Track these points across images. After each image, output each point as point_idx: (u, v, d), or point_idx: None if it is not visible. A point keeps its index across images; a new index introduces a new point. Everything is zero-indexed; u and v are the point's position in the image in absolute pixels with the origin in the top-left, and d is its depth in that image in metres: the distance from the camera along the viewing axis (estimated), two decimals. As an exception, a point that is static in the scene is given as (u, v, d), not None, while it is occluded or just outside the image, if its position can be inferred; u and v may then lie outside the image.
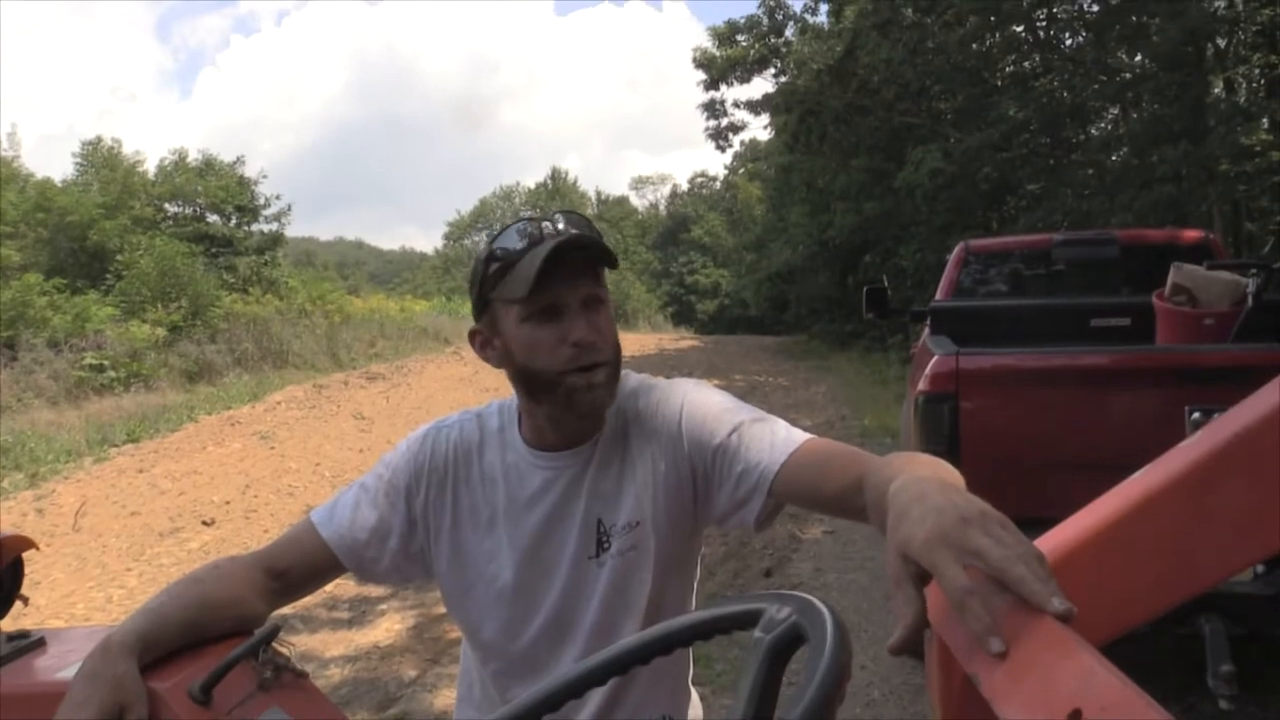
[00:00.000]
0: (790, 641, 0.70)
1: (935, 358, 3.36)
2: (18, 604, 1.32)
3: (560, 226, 1.24)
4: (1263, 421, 0.73)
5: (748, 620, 0.74)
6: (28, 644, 1.18)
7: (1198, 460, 0.74)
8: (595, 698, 1.33)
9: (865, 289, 5.59)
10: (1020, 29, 15.51)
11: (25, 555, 1.34)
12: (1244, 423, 0.74)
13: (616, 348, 1.28)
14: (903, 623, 0.69)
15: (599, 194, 57.53)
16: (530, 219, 1.26)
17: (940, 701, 0.77)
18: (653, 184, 59.37)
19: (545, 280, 1.20)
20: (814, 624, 0.67)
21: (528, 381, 1.27)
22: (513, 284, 1.22)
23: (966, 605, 0.65)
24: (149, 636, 1.06)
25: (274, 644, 1.11)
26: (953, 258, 5.88)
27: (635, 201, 58.17)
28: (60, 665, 1.13)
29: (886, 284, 5.76)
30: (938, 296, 5.54)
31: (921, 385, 3.34)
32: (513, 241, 1.23)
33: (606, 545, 1.31)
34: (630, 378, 1.39)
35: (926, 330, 4.79)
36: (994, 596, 0.66)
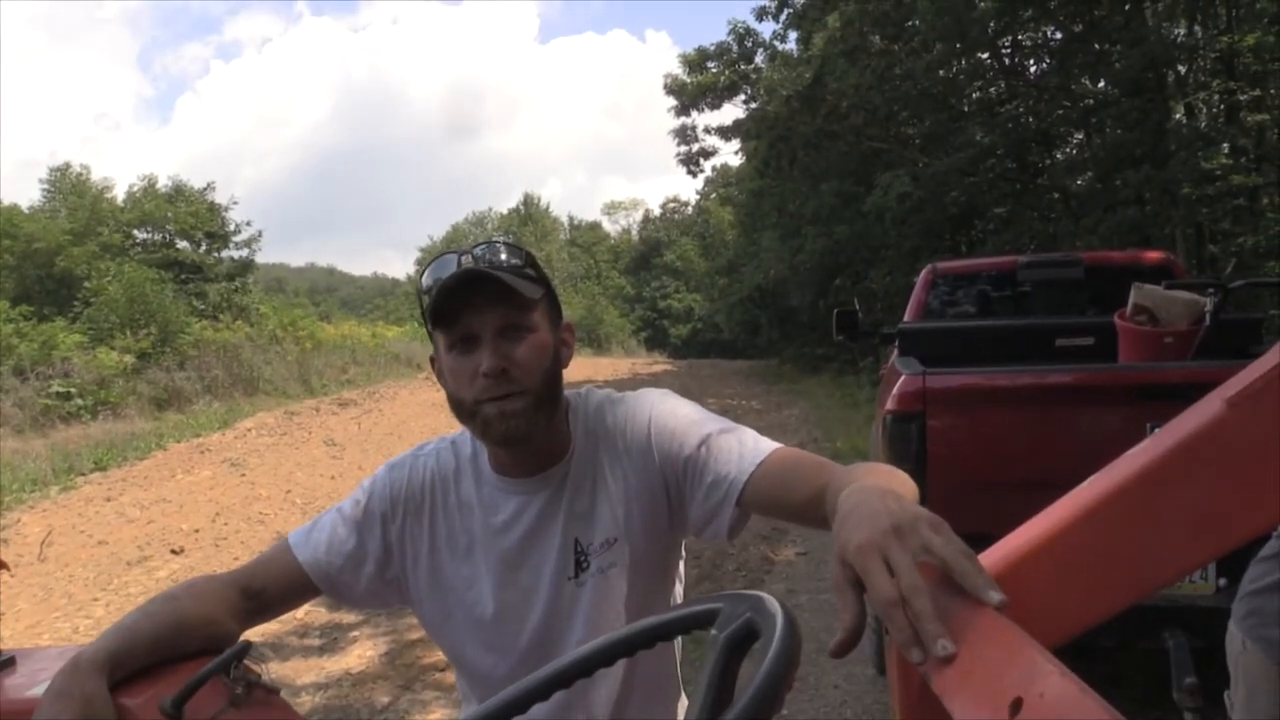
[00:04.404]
0: (745, 637, 0.73)
1: (903, 377, 3.40)
2: None
3: (470, 258, 1.26)
4: (1205, 428, 0.76)
5: (705, 620, 0.77)
6: (8, 658, 1.19)
7: (1144, 466, 0.77)
8: (562, 699, 1.34)
9: (836, 311, 5.64)
10: (986, 56, 15.75)
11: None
12: (1187, 430, 0.76)
13: (543, 375, 1.27)
14: (842, 625, 0.72)
15: (572, 219, 57.68)
16: (452, 251, 1.28)
17: (900, 704, 0.79)
18: (625, 209, 59.58)
19: (456, 311, 1.23)
20: (765, 619, 0.70)
21: (454, 409, 1.29)
22: (430, 315, 1.25)
23: (891, 615, 0.68)
24: (119, 654, 1.06)
25: (245, 661, 1.12)
26: (920, 280, 5.95)
27: (608, 227, 58.34)
28: (30, 684, 1.13)
29: (857, 306, 5.82)
30: (906, 318, 5.60)
31: (889, 405, 3.38)
32: (433, 273, 1.26)
33: (585, 565, 1.32)
34: (594, 394, 1.40)
35: (895, 352, 4.85)
36: (940, 595, 0.68)
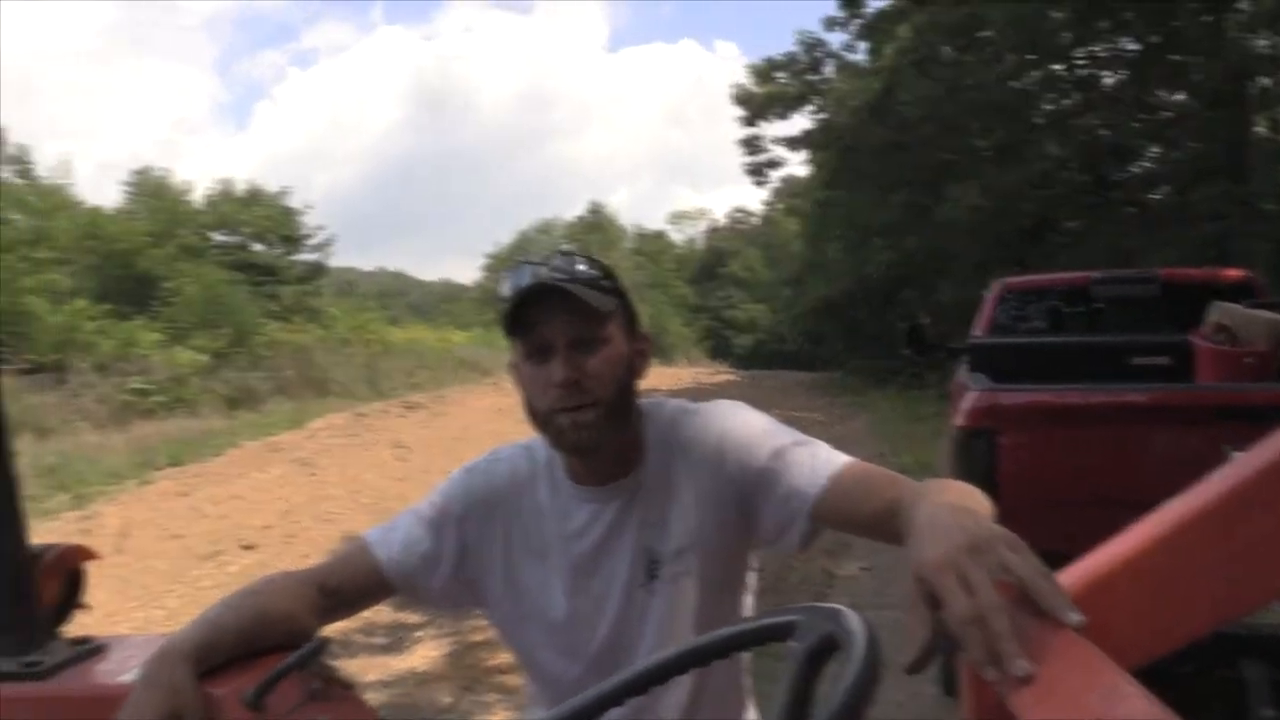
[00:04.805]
0: (824, 650, 0.72)
1: (973, 393, 3.36)
2: (79, 612, 1.37)
3: (546, 269, 1.27)
4: (1291, 455, 0.75)
5: (784, 632, 0.77)
6: (89, 649, 1.23)
7: (1229, 491, 0.76)
8: (633, 704, 1.35)
9: (905, 325, 5.60)
10: (1060, 67, 15.49)
11: (86, 566, 1.39)
12: (1274, 454, 0.76)
13: (615, 387, 1.28)
14: (916, 643, 0.72)
15: (638, 229, 57.79)
16: (530, 260, 1.30)
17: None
18: (691, 219, 59.54)
19: (530, 321, 1.26)
20: (847, 632, 0.70)
21: (530, 416, 1.31)
22: (505, 324, 1.28)
23: (967, 633, 0.68)
24: (205, 645, 1.10)
25: (322, 657, 1.15)
26: (991, 295, 5.88)
27: (674, 236, 58.33)
28: (120, 670, 1.17)
29: (926, 320, 5.76)
30: (976, 333, 5.53)
31: (959, 420, 3.34)
32: (510, 282, 1.28)
33: (657, 573, 1.33)
34: (668, 404, 1.42)
35: (964, 367, 4.79)
36: (1017, 614, 0.68)
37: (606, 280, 1.32)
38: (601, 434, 1.27)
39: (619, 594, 1.34)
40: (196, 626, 1.14)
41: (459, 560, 1.37)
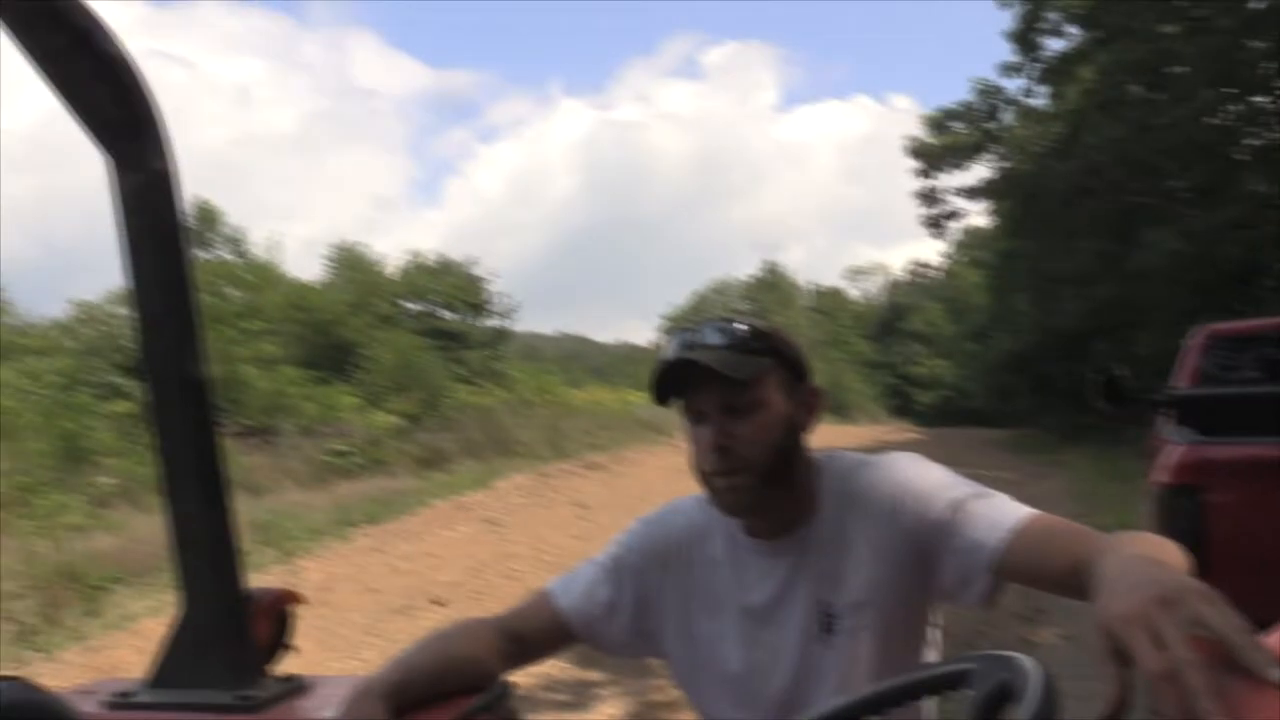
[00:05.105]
0: (1000, 698, 0.71)
1: (1178, 447, 3.17)
2: (287, 653, 1.49)
3: (694, 339, 1.31)
4: None
5: (958, 680, 0.76)
6: (295, 686, 1.37)
7: None
8: None
9: (1100, 378, 5.32)
10: (1264, 99, 14.57)
11: (294, 610, 1.52)
12: None
13: (768, 451, 1.29)
14: (1107, 700, 0.70)
15: (814, 286, 57.35)
16: (680, 329, 1.35)
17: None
18: (868, 274, 58.73)
19: (680, 389, 1.31)
20: (1023, 680, 0.69)
21: (695, 475, 1.35)
22: (656, 394, 1.32)
23: (1162, 690, 0.65)
24: (400, 685, 1.19)
25: (507, 702, 1.22)
26: (1195, 343, 5.54)
27: (851, 292, 57.61)
28: (321, 707, 1.28)
29: (1123, 372, 5.47)
30: (1178, 384, 5.21)
31: (1162, 477, 3.15)
32: (663, 350, 1.33)
33: (833, 627, 1.32)
34: (844, 457, 1.41)
35: (1166, 420, 4.51)
36: (1214, 671, 0.65)
37: (758, 342, 1.32)
38: (755, 497, 1.30)
39: (795, 647, 1.34)
40: (392, 667, 1.23)
41: (637, 611, 1.41)
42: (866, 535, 1.32)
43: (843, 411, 37.35)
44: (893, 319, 50.80)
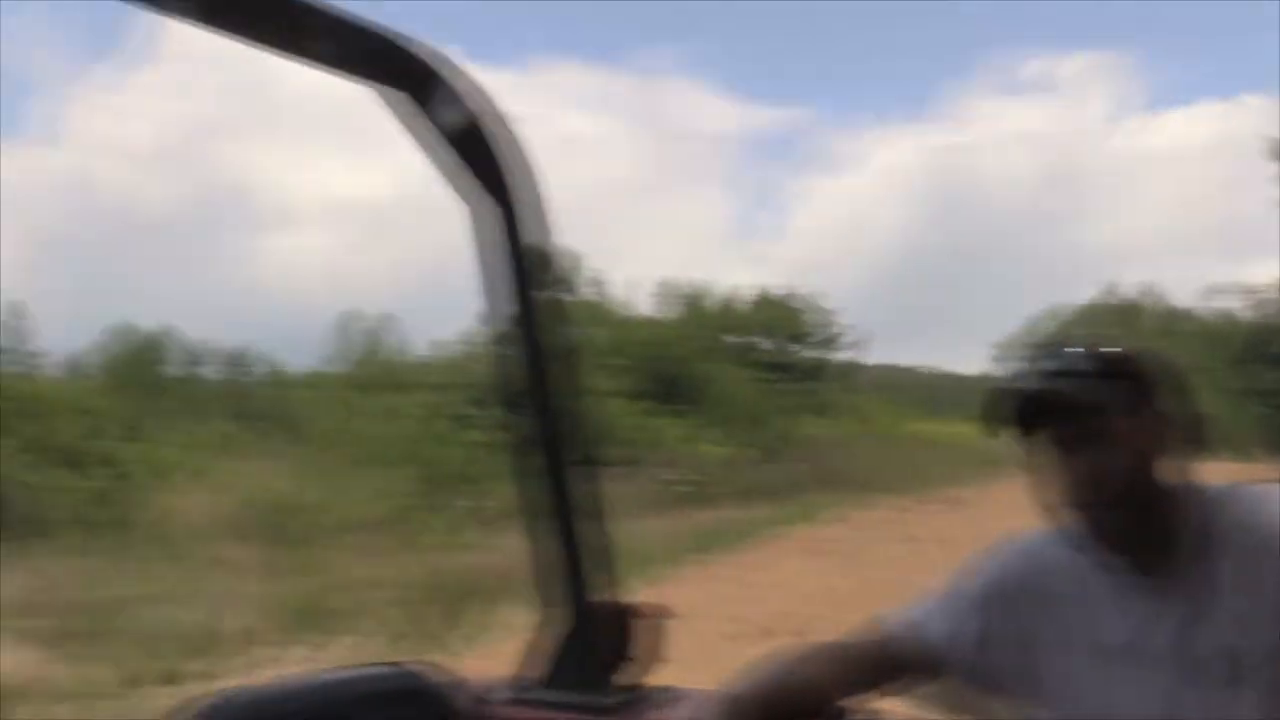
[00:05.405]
0: None
1: None
2: (654, 663, 1.67)
3: (1050, 368, 1.28)
4: None
5: None
6: (657, 693, 1.57)
7: None
8: None
9: None
10: None
11: (663, 623, 1.71)
12: None
13: (1124, 481, 1.22)
14: None
15: (1160, 307, 51.85)
16: (1021, 360, 1.34)
17: None
18: (1227, 293, 52.13)
19: (1032, 420, 1.26)
20: None
21: (1045, 509, 1.32)
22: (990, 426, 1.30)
23: None
24: (758, 700, 1.33)
25: None
26: None
27: (1207, 314, 51.49)
28: (680, 715, 1.46)
29: None
30: None
31: None
32: (1011, 382, 1.30)
33: (1204, 672, 1.21)
34: (1232, 489, 1.30)
35: None
36: None
37: (1108, 368, 1.26)
38: (1116, 532, 1.24)
39: (1156, 694, 1.24)
40: (748, 684, 1.37)
41: (978, 645, 1.37)
42: (1251, 575, 1.20)
43: (1208, 446, 33.42)
44: (1264, 341, 44.78)
